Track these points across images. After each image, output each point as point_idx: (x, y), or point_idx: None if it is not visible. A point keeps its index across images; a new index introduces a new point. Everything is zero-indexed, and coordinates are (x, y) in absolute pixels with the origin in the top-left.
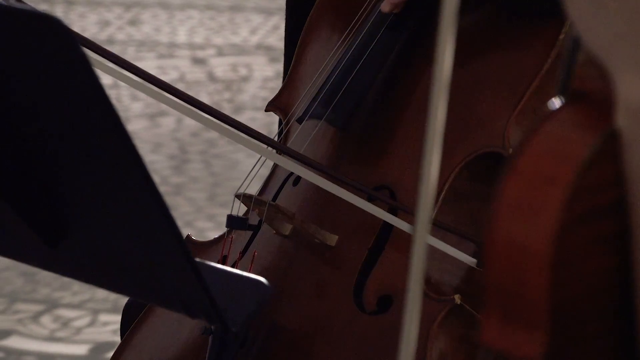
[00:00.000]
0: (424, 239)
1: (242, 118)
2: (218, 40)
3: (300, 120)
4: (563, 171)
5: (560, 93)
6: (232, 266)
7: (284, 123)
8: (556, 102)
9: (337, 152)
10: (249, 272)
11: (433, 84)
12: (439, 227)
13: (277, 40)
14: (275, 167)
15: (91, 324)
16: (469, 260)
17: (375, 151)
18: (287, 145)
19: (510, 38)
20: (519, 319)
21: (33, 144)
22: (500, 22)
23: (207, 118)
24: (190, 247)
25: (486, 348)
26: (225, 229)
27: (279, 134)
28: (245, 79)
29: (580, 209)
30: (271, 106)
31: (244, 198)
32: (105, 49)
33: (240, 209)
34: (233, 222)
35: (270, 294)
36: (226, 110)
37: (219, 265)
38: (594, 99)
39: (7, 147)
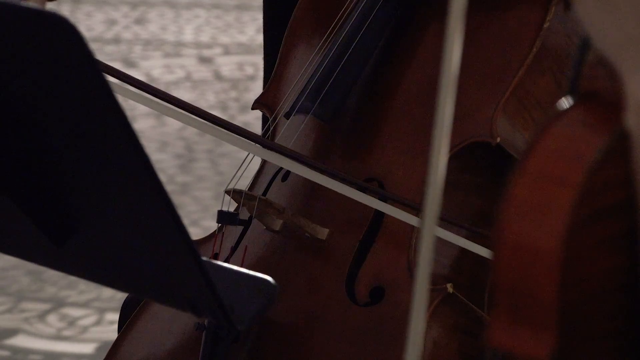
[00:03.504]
0: (431, 234)
1: (249, 117)
2: (224, 39)
3: (287, 116)
4: (572, 172)
5: (569, 93)
6: (224, 262)
7: (270, 119)
8: (565, 102)
9: (325, 146)
10: (242, 264)
11: (441, 78)
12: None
13: None
14: (264, 163)
15: (97, 322)
16: (484, 252)
17: (363, 144)
18: (276, 140)
19: (495, 27)
20: (528, 319)
21: (40, 143)
22: (484, 12)
23: (188, 116)
24: None
25: (494, 348)
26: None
27: (266, 130)
28: (251, 78)
29: (590, 209)
30: (257, 104)
31: (234, 193)
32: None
33: (230, 205)
34: (224, 217)
35: (278, 292)
36: (232, 109)
37: (226, 264)
38: (603, 99)
39: (14, 145)
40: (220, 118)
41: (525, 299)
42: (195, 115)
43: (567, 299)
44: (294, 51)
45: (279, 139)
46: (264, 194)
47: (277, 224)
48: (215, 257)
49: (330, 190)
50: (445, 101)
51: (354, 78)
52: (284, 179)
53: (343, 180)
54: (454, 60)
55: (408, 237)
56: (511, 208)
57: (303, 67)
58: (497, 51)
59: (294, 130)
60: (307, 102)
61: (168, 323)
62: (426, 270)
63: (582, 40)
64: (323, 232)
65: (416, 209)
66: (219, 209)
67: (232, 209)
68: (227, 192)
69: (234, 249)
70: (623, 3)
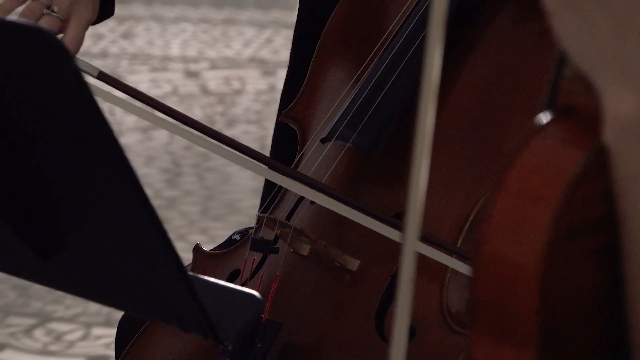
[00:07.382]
0: (413, 247)
1: (235, 131)
2: (211, 53)
3: (324, 141)
4: (551, 188)
5: (547, 108)
6: (244, 284)
7: (300, 138)
8: (543, 117)
9: (359, 174)
10: (273, 292)
11: (422, 85)
12: (461, 255)
13: (270, 53)
14: None
15: (84, 337)
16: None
17: (398, 175)
18: (306, 161)
19: (540, 68)
20: (510, 336)
21: (26, 158)
22: (529, 54)
23: (206, 140)
24: (200, 256)
25: None
26: (227, 242)
27: (300, 151)
28: (238, 92)
29: (569, 225)
30: (286, 117)
31: (268, 220)
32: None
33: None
34: (258, 245)
35: (264, 307)
36: (219, 123)
37: (212, 279)
38: (581, 114)
39: (0, 161)
40: (251, 148)
41: (505, 315)
42: (212, 138)
43: (548, 315)
44: (327, 65)
45: (316, 167)
46: (289, 216)
47: (306, 249)
48: (237, 273)
49: None
50: (426, 113)
51: (396, 108)
52: (313, 202)
53: (369, 214)
54: (434, 71)
55: (442, 274)
56: (490, 224)
57: (337, 86)
58: (541, 93)
59: (328, 155)
60: (346, 130)
61: (180, 344)
62: (408, 292)
63: (558, 55)
64: (354, 264)
65: (449, 249)
66: (209, 224)
67: (255, 233)
68: (260, 217)
69: (255, 270)
70: (599, 18)
